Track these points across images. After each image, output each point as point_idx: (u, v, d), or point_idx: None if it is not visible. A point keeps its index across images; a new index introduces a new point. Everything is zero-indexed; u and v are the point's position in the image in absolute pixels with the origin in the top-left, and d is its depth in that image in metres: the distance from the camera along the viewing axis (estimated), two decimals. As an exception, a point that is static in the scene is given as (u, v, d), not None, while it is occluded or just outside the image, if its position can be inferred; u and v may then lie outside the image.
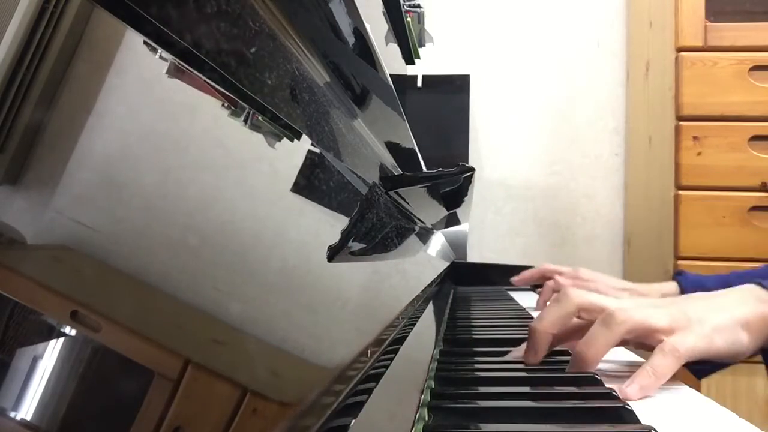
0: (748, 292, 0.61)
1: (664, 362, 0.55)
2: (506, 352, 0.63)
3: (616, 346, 0.59)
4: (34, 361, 0.15)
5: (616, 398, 0.45)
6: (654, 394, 0.52)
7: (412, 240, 0.75)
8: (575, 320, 0.62)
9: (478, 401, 0.44)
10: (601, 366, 0.58)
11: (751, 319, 0.59)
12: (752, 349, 0.59)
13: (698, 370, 0.72)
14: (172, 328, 0.19)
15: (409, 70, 1.42)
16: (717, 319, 0.58)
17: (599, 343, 0.57)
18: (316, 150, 0.36)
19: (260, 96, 0.27)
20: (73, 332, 0.16)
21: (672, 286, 1.07)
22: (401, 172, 0.78)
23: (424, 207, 0.88)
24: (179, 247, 0.21)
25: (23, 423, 0.14)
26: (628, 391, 0.52)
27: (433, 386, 0.48)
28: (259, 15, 0.31)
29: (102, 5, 0.18)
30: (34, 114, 0.16)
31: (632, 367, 0.63)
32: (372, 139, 0.65)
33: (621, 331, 0.57)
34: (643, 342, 0.59)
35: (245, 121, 0.26)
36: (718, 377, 1.56)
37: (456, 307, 1.03)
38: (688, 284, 1.01)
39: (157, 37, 0.20)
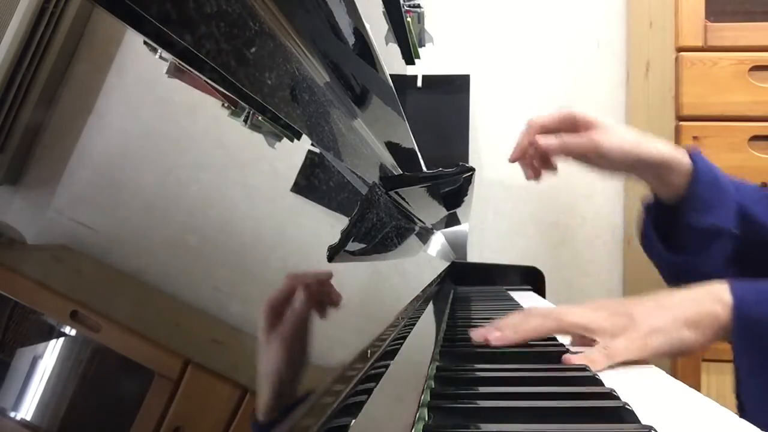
0: (705, 292, 0.64)
1: (598, 357, 0.59)
2: (506, 352, 0.63)
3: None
4: (34, 361, 0.15)
5: (616, 398, 0.45)
6: (654, 394, 0.52)
7: (412, 240, 0.75)
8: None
9: (478, 401, 0.44)
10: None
11: (698, 318, 0.62)
12: (702, 344, 0.63)
13: None
14: (172, 328, 0.19)
15: (409, 70, 1.42)
16: (656, 321, 0.63)
17: (530, 323, 0.64)
18: (316, 150, 0.36)
19: (260, 96, 0.27)
20: (73, 332, 0.16)
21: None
22: (401, 172, 0.78)
23: (424, 207, 0.88)
24: (179, 247, 0.21)
25: (23, 423, 0.14)
26: (568, 356, 0.59)
27: (433, 386, 0.48)
28: (259, 15, 0.31)
29: (102, 5, 0.18)
30: (34, 114, 0.16)
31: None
32: (372, 139, 0.65)
33: (556, 325, 0.64)
34: (587, 343, 0.64)
35: (245, 121, 0.26)
36: (718, 377, 1.56)
37: (456, 307, 1.03)
38: (702, 166, 0.89)
39: (157, 37, 0.20)
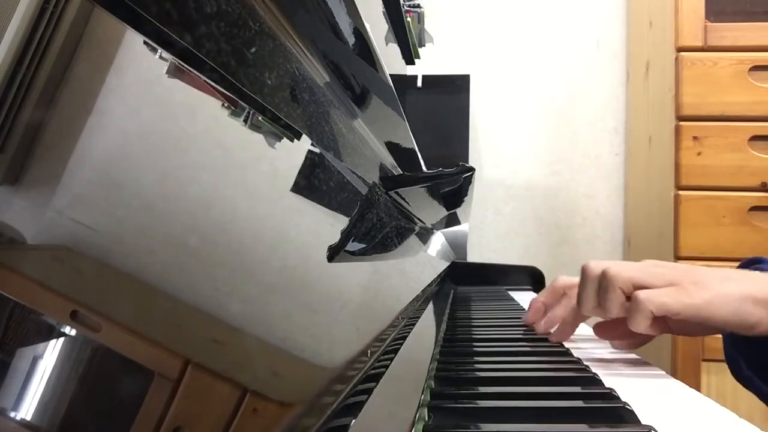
0: None
1: (636, 316, 0.56)
2: (506, 352, 0.63)
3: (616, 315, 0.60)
4: (34, 361, 0.15)
5: (617, 398, 0.45)
6: (654, 394, 0.52)
7: (412, 240, 0.75)
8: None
9: (478, 401, 0.44)
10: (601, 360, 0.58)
11: None
12: None
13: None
14: (172, 328, 0.19)
15: (409, 70, 1.42)
16: (721, 288, 0.57)
17: (587, 294, 0.62)
18: (316, 150, 0.36)
19: (260, 96, 0.27)
20: (73, 332, 0.16)
21: None
22: (401, 172, 0.78)
23: (424, 207, 0.88)
24: (179, 247, 0.21)
25: (23, 423, 0.14)
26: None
27: (433, 386, 0.48)
28: (259, 15, 0.31)
29: (102, 5, 0.18)
30: (34, 114, 0.16)
31: (635, 365, 0.63)
32: (372, 139, 0.65)
33: (615, 287, 0.59)
34: None
35: (245, 121, 0.26)
36: (717, 377, 1.56)
37: (456, 307, 1.03)
38: None
39: (157, 37, 0.20)
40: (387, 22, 0.98)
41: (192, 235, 0.21)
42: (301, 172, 0.33)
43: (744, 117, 1.61)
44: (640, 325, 0.57)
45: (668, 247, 1.65)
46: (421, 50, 1.27)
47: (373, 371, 0.35)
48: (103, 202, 0.18)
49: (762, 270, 0.62)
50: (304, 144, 0.34)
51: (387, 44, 0.99)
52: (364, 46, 0.55)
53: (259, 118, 0.28)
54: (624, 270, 0.60)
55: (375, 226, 0.44)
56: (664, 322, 0.62)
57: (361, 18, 0.51)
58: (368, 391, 0.32)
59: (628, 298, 0.59)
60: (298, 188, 0.33)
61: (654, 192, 1.81)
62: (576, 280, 0.75)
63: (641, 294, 0.57)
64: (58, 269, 0.16)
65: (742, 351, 0.65)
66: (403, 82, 1.62)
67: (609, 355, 0.69)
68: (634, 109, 2.04)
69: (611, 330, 0.68)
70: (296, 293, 0.29)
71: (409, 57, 1.20)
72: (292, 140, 0.32)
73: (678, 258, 1.62)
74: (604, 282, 0.61)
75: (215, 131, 0.25)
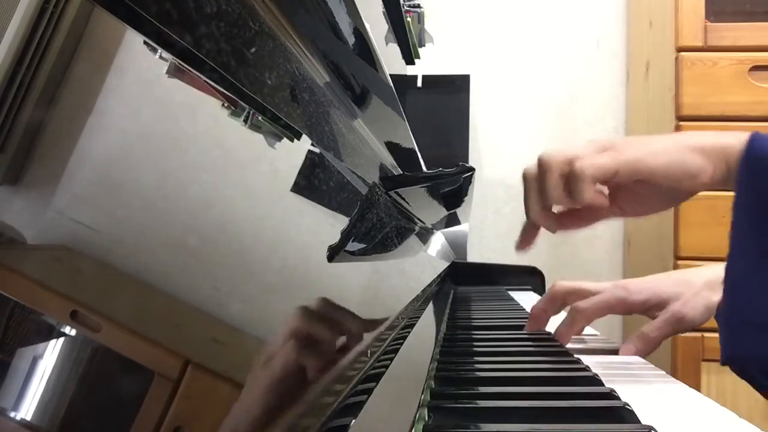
0: (721, 132, 0.57)
1: (578, 186, 0.55)
2: (506, 352, 0.63)
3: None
4: (34, 361, 0.15)
5: (617, 398, 0.45)
6: (654, 394, 0.52)
7: (412, 240, 0.75)
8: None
9: (478, 401, 0.44)
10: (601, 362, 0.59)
11: (706, 146, 0.55)
12: (714, 174, 0.55)
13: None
14: (172, 328, 0.19)
15: (409, 70, 1.42)
16: (656, 142, 0.56)
17: (545, 189, 0.59)
18: (316, 150, 0.36)
19: (260, 96, 0.27)
20: (73, 332, 0.16)
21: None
22: (401, 172, 0.78)
23: (424, 207, 0.88)
24: (179, 247, 0.21)
25: (23, 423, 0.14)
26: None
27: (433, 386, 0.48)
28: (259, 15, 0.31)
29: (102, 5, 0.18)
30: (34, 114, 0.16)
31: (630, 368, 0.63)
32: (372, 139, 0.65)
33: (552, 169, 0.58)
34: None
35: (245, 121, 0.26)
36: (717, 377, 1.56)
37: (456, 307, 1.03)
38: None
39: (157, 37, 0.20)
40: (387, 22, 0.98)
41: (192, 235, 0.21)
42: (301, 172, 0.33)
43: (744, 117, 1.61)
44: (584, 192, 0.56)
45: (668, 247, 1.65)
46: (421, 50, 1.27)
47: (373, 371, 0.35)
48: (103, 202, 0.18)
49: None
50: (304, 144, 0.34)
51: (387, 44, 0.99)
52: (364, 46, 0.55)
53: (259, 118, 0.28)
54: (556, 151, 0.59)
55: (375, 226, 0.44)
56: (615, 205, 0.61)
57: (361, 18, 0.51)
58: (368, 391, 0.32)
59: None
60: (298, 188, 0.33)
61: (654, 192, 1.80)
62: (574, 283, 0.75)
63: (577, 162, 0.56)
64: (58, 269, 0.16)
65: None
66: (403, 82, 1.63)
67: (608, 355, 0.69)
68: (634, 109, 2.04)
69: (570, 220, 0.65)
70: (296, 293, 0.29)
71: (409, 57, 1.20)
72: (292, 140, 0.32)
73: (678, 258, 1.62)
74: (541, 170, 0.59)
75: (215, 131, 0.25)
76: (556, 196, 0.59)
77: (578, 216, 0.64)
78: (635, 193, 0.60)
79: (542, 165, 0.60)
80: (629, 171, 0.56)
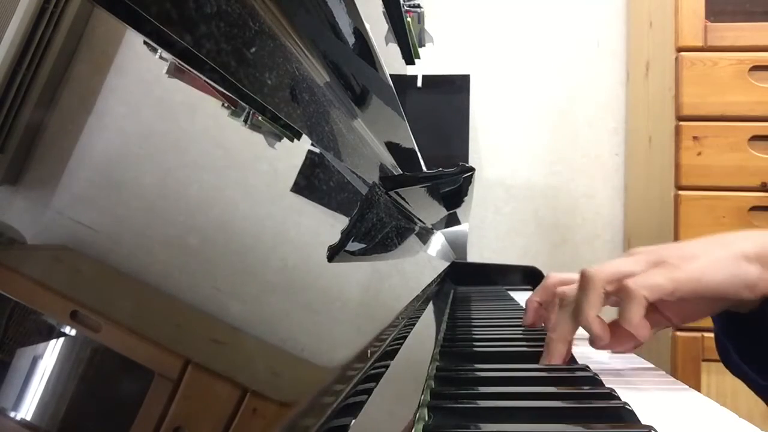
0: (762, 233, 0.55)
1: (628, 307, 0.51)
2: (506, 352, 0.63)
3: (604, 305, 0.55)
4: (34, 361, 0.15)
5: (617, 398, 0.45)
6: (654, 394, 0.52)
7: (412, 240, 0.75)
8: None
9: (478, 401, 0.44)
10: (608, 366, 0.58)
11: (762, 252, 0.52)
12: None
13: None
14: (172, 328, 0.19)
15: (409, 70, 1.42)
16: (710, 254, 0.53)
17: (581, 307, 0.54)
18: (316, 150, 0.36)
19: (260, 96, 0.27)
20: (73, 332, 0.16)
21: None
22: (401, 172, 0.78)
23: (424, 207, 0.88)
24: (179, 247, 0.21)
25: (23, 423, 0.14)
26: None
27: (433, 386, 0.48)
28: (259, 15, 0.31)
29: (102, 5, 0.18)
30: (34, 114, 0.16)
31: (638, 370, 0.63)
32: (372, 139, 0.65)
33: (596, 286, 0.53)
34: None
35: (245, 121, 0.26)
36: (717, 377, 1.56)
37: (456, 307, 1.03)
38: None
39: (157, 37, 0.20)
40: (387, 22, 0.98)
41: (192, 235, 0.21)
42: (301, 172, 0.34)
43: (744, 117, 1.61)
44: (635, 315, 0.51)
45: (668, 247, 1.65)
46: (421, 50, 1.27)
47: (373, 371, 0.35)
48: (103, 202, 0.18)
49: None
50: (304, 144, 0.34)
51: (387, 44, 0.99)
52: (364, 46, 0.55)
53: (259, 118, 0.28)
54: (602, 267, 0.55)
55: (375, 226, 0.44)
56: (660, 314, 0.58)
57: (361, 18, 0.51)
58: (368, 391, 0.32)
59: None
60: (298, 188, 0.33)
61: (654, 192, 1.81)
62: (567, 275, 0.73)
63: (629, 281, 0.52)
64: (58, 269, 0.16)
65: (732, 338, 0.62)
66: (403, 82, 1.63)
67: (609, 355, 0.69)
68: (634, 109, 2.04)
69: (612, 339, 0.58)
70: (296, 293, 0.29)
71: (409, 57, 1.20)
72: (292, 140, 0.32)
73: (678, 258, 1.62)
74: (582, 286, 0.55)
75: (215, 131, 0.25)
76: (590, 318, 0.54)
77: (615, 334, 0.57)
78: (683, 302, 0.56)
79: (585, 280, 0.55)
80: (688, 291, 0.52)
